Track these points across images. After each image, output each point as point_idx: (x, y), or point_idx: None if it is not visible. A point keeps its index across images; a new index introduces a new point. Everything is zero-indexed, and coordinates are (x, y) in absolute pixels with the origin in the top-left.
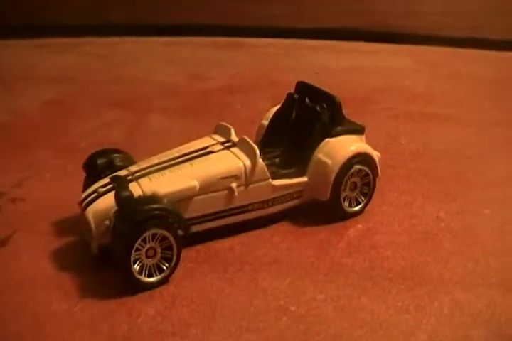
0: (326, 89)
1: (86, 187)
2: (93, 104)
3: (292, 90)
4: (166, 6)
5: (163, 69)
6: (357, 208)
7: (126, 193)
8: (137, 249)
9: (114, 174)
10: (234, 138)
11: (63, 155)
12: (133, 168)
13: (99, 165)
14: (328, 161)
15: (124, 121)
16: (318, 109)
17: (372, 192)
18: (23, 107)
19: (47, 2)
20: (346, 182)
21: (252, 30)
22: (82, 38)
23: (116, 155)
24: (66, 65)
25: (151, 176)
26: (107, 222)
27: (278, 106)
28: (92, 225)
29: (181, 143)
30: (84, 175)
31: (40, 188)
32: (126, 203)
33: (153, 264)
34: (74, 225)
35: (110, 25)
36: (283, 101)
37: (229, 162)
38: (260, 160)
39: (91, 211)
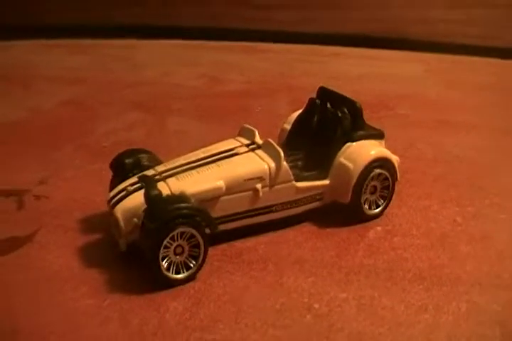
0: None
1: (113, 186)
2: (112, 105)
3: (311, 95)
4: (186, 10)
5: (181, 73)
6: (377, 211)
7: (155, 192)
8: (165, 247)
9: (142, 173)
10: (258, 140)
11: (85, 154)
12: (160, 168)
13: (127, 165)
14: (350, 165)
15: (144, 123)
16: (340, 114)
17: (392, 195)
18: (42, 106)
19: (68, 3)
20: (367, 185)
21: (269, 35)
22: (101, 39)
23: (143, 155)
24: (84, 66)
25: (178, 176)
26: (135, 220)
27: (300, 111)
28: (121, 223)
29: (200, 145)
30: (107, 174)
31: (63, 186)
32: (155, 202)
33: (180, 261)
34: (98, 223)
35: (129, 27)
36: (305, 105)
37: (254, 164)
38: (284, 163)
39: (120, 209)
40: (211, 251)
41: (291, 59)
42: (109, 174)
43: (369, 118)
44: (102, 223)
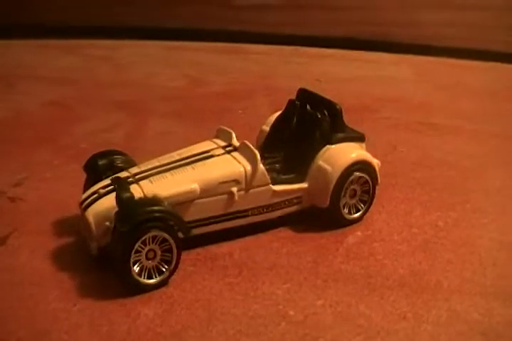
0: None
1: (86, 188)
2: (94, 106)
3: (293, 97)
4: (168, 10)
5: (164, 74)
6: (356, 215)
7: (127, 194)
8: (137, 251)
9: (115, 175)
10: (235, 142)
11: (63, 155)
12: (134, 170)
13: (100, 167)
14: (328, 168)
15: (125, 124)
16: (319, 116)
17: (372, 199)
18: (24, 106)
19: (51, 4)
20: (346, 189)
21: (252, 36)
22: (84, 40)
23: (117, 156)
24: (68, 67)
25: (152, 178)
26: (107, 223)
27: (279, 113)
28: (93, 226)
29: (181, 147)
30: (84, 176)
31: (39, 188)
32: (127, 204)
33: (152, 266)
34: (73, 225)
35: (113, 28)
36: (284, 107)
37: (230, 166)
38: (261, 165)
39: (91, 212)
40: (185, 255)
41: (274, 60)
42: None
43: (352, 121)
44: (76, 226)
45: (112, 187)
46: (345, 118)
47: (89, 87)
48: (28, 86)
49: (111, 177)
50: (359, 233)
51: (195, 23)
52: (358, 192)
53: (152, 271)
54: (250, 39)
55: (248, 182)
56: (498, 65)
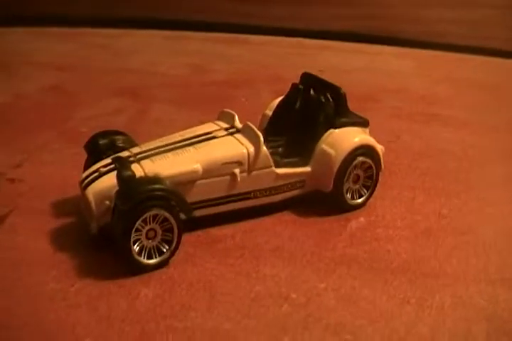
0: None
1: (87, 167)
2: (95, 92)
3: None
4: (174, 2)
5: (165, 62)
6: (359, 201)
7: (128, 173)
8: (137, 230)
9: (116, 154)
10: (238, 124)
11: (64, 139)
12: (135, 150)
13: (101, 146)
14: (332, 152)
15: (126, 110)
16: (323, 100)
17: (375, 185)
18: (24, 91)
19: None
20: (349, 173)
21: (256, 29)
22: (85, 28)
23: (118, 136)
24: (68, 54)
25: (153, 158)
26: (107, 202)
27: (282, 97)
28: (93, 205)
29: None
30: (84, 158)
31: (39, 170)
32: (127, 183)
33: (153, 246)
34: (72, 206)
35: (113, 17)
36: (288, 91)
37: (232, 147)
38: (264, 147)
39: (92, 190)
40: (186, 237)
41: (278, 51)
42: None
43: (356, 109)
44: (76, 207)
45: (112, 166)
46: (349, 106)
47: (89, 73)
48: (29, 72)
49: (112, 157)
50: (362, 218)
51: (198, 15)
52: (362, 178)
53: (153, 251)
54: (256, 32)
55: (251, 164)
56: (501, 60)
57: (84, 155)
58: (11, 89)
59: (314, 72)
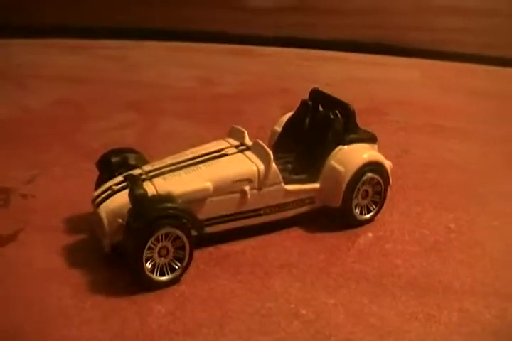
0: None
1: (99, 185)
2: (105, 105)
3: (304, 98)
4: (183, 12)
5: (175, 74)
6: (368, 216)
7: (140, 191)
8: (150, 248)
9: (128, 172)
10: (248, 141)
11: (75, 154)
12: (147, 168)
13: (113, 164)
14: (341, 168)
15: (136, 123)
16: (332, 117)
17: (384, 200)
18: (34, 105)
19: (63, 4)
20: (358, 189)
21: (263, 39)
22: (95, 40)
23: (130, 154)
24: (78, 66)
25: (165, 176)
26: (120, 220)
27: (291, 113)
28: (105, 223)
29: (192, 146)
30: (95, 174)
31: (51, 185)
32: (140, 201)
33: (165, 263)
34: (84, 222)
35: (120, 29)
36: (297, 107)
37: (243, 165)
38: (274, 165)
39: (104, 208)
40: (197, 254)
41: (285, 63)
42: (97, 174)
43: (363, 123)
44: (88, 223)
45: (125, 184)
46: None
47: (97, 85)
48: (38, 85)
49: (124, 174)
50: (370, 234)
51: (207, 25)
52: (370, 193)
53: (164, 268)
54: (263, 42)
55: (261, 181)
56: (507, 69)
57: (95, 171)
58: (19, 102)
59: (322, 85)
